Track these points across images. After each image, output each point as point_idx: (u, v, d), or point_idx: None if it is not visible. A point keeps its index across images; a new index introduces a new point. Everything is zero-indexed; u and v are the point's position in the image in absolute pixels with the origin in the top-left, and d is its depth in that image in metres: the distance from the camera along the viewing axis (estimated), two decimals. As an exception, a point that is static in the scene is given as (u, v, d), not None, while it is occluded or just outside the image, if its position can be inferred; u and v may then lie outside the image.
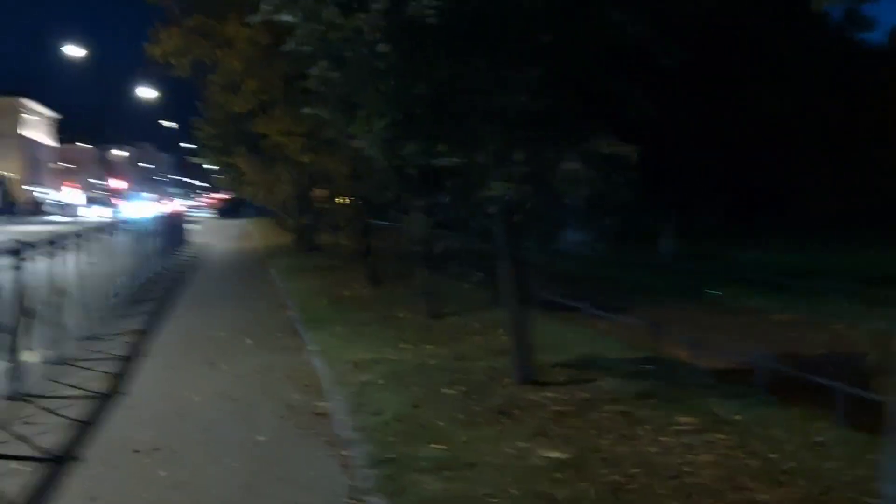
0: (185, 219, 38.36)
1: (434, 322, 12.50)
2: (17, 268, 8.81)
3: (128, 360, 10.44)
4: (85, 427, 7.46)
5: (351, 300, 15.24)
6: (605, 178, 6.96)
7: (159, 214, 30.83)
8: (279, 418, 7.72)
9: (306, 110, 9.42)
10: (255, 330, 12.65)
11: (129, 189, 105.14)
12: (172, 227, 30.55)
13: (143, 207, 55.62)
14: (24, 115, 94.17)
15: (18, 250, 8.87)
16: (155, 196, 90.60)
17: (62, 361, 10.19)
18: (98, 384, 9.11)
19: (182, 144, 70.81)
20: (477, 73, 7.44)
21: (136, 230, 20.15)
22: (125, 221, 20.15)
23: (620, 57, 7.58)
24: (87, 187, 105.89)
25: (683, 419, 7.00)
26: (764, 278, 17.93)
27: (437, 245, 9.23)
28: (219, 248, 33.18)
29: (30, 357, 9.64)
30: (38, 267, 9.91)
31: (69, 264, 11.60)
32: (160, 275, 21.52)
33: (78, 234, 12.99)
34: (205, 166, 74.37)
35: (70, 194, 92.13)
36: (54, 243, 10.88)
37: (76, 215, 62.44)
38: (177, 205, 76.20)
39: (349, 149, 16.52)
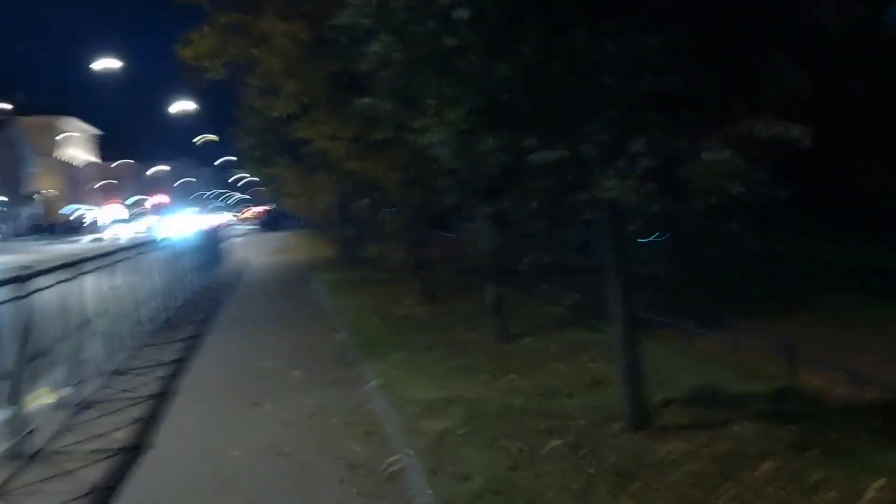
0: (225, 233, 37.10)
1: (506, 346, 10.88)
2: (20, 297, 7.34)
3: (158, 401, 8.96)
4: (101, 497, 5.97)
5: (406, 320, 13.66)
6: (760, 170, 5.30)
7: (197, 230, 29.57)
8: (339, 483, 6.13)
9: (362, 102, 7.85)
10: (302, 359, 11.12)
11: (170, 204, 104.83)
12: (211, 242, 29.32)
13: (182, 223, 54.67)
14: (62, 134, 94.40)
15: (21, 278, 7.39)
16: (195, 211, 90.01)
17: (82, 404, 8.76)
18: (121, 434, 7.64)
19: (224, 158, 70.06)
20: (580, 46, 5.80)
21: (171, 248, 18.82)
22: (158, 240, 18.78)
23: (761, 17, 5.88)
24: (127, 204, 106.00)
25: (872, 482, 5.29)
26: (873, 282, 15.87)
27: (523, 262, 7.51)
28: (260, 263, 31.86)
29: (43, 400, 8.24)
30: (50, 294, 8.45)
31: (89, 289, 10.17)
32: (198, 294, 20.16)
33: (100, 255, 11.65)
34: (247, 178, 73.94)
35: (109, 212, 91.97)
36: (69, 266, 9.45)
37: (109, 233, 61.59)
38: (216, 219, 75.39)
39: (403, 151, 15.03)
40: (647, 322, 11.91)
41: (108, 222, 72.68)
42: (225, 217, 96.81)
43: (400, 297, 16.30)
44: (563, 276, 17.92)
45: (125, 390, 9.51)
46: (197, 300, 19.08)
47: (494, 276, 11.35)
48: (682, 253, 6.86)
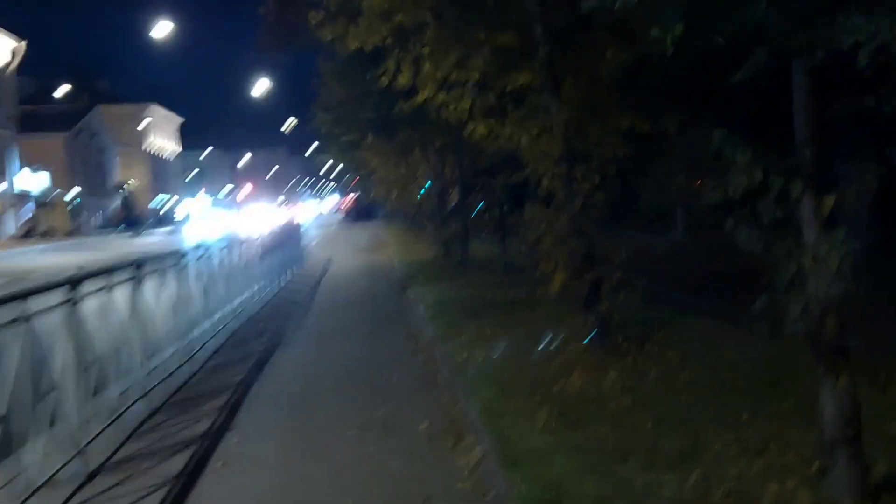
0: (300, 230, 31.33)
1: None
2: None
3: None
4: None
5: (595, 409, 7.15)
6: None
7: (270, 227, 23.77)
8: None
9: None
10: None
11: (253, 195, 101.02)
12: (287, 240, 23.51)
13: (262, 216, 49.37)
14: (146, 122, 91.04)
15: None
16: (278, 202, 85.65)
17: None
18: None
19: (312, 148, 64.96)
20: None
21: (222, 255, 12.99)
22: (206, 245, 12.83)
23: None
24: (216, 195, 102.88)
25: None
26: None
27: None
28: (343, 267, 25.88)
29: None
30: None
31: None
32: (252, 325, 14.23)
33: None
34: (338, 166, 68.77)
35: (195, 204, 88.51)
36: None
37: (191, 229, 56.61)
38: (299, 211, 70.23)
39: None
40: None
41: (189, 215, 68.45)
42: (310, 208, 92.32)
43: (555, 338, 9.93)
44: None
45: None
46: (246, 336, 13.14)
47: (843, 358, 4.83)
48: None
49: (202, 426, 7.79)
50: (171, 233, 54.43)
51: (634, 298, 9.36)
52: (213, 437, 7.46)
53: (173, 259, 10.31)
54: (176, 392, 9.07)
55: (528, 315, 11.93)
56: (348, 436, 7.31)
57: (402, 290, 18.06)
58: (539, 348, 9.60)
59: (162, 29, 28.90)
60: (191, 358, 10.24)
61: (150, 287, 9.12)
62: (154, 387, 8.64)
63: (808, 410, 6.21)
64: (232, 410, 8.40)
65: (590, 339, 9.32)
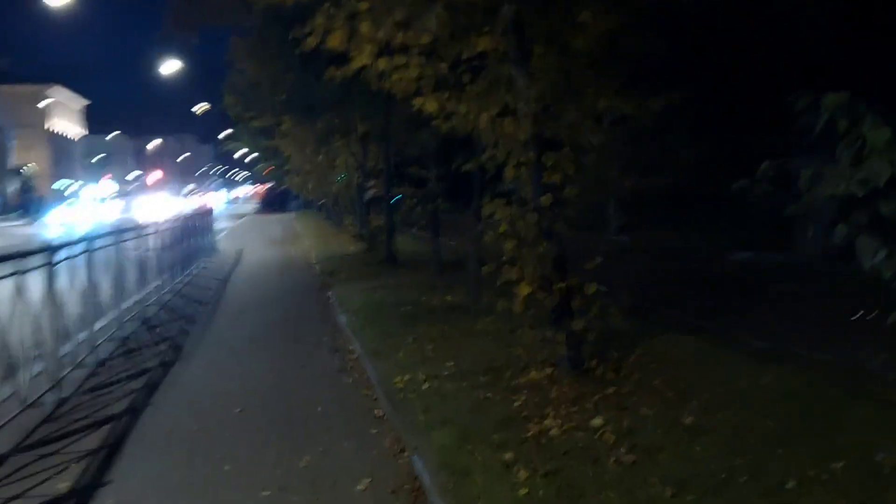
0: (210, 220, 28.97)
1: None
2: None
3: None
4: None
5: (591, 464, 5.52)
6: None
7: (174, 217, 21.57)
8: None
9: None
10: None
11: (161, 182, 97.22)
12: (190, 232, 21.31)
13: (161, 206, 46.48)
14: (48, 102, 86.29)
15: None
16: (188, 190, 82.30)
17: None
18: None
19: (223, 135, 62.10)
20: None
21: (99, 250, 10.91)
22: (79, 239, 10.65)
23: None
24: (119, 181, 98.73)
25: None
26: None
27: None
28: (255, 262, 23.73)
29: None
30: None
31: None
32: (146, 334, 12.20)
33: None
34: (249, 155, 65.94)
35: (96, 190, 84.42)
36: None
37: (56, 217, 51.16)
38: (201, 201, 66.87)
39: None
40: None
41: (82, 201, 64.41)
42: (222, 197, 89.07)
43: (514, 355, 8.30)
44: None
45: None
46: (139, 345, 11.12)
47: None
48: None
49: (66, 481, 5.86)
50: (63, 220, 49.59)
51: (615, 314, 7.82)
52: (80, 498, 5.55)
53: (41, 254, 8.23)
54: (35, 429, 7.07)
55: (475, 325, 10.26)
56: (263, 499, 5.48)
57: (322, 290, 16.18)
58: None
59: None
60: (60, 381, 8.20)
61: (4, 291, 7.12)
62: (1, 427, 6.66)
63: (873, 473, 4.75)
64: (109, 455, 6.46)
65: (560, 364, 7.71)
